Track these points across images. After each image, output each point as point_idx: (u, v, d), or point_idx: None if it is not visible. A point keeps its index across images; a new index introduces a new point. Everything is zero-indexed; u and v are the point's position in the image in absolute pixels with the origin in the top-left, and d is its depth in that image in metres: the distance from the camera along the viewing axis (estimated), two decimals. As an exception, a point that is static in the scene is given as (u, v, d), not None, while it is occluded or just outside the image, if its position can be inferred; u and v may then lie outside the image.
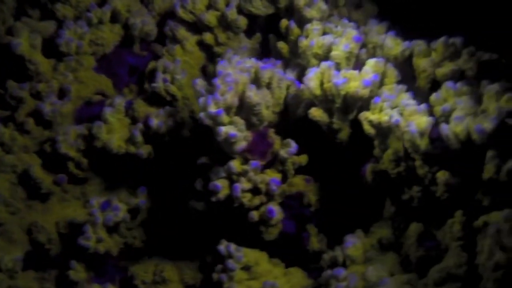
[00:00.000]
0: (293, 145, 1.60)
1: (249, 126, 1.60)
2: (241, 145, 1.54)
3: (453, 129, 1.33)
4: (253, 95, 1.53)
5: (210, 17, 2.04)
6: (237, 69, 1.60)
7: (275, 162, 1.66)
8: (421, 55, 1.62)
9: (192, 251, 1.85)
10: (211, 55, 2.12)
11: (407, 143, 1.41)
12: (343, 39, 1.64)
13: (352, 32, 1.67)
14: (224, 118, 1.52)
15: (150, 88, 2.03)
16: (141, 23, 2.13)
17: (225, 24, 2.03)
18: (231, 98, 1.52)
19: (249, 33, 2.10)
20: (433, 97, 1.47)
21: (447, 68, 1.55)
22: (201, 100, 1.54)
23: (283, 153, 1.59)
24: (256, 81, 1.62)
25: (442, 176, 1.40)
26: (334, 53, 1.62)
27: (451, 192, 1.42)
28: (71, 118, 2.12)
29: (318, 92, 1.57)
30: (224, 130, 1.51)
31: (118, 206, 1.80)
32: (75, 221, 1.84)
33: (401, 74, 1.65)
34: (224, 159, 1.61)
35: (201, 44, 2.11)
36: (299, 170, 1.74)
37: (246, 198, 1.59)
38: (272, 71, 1.63)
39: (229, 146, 1.53)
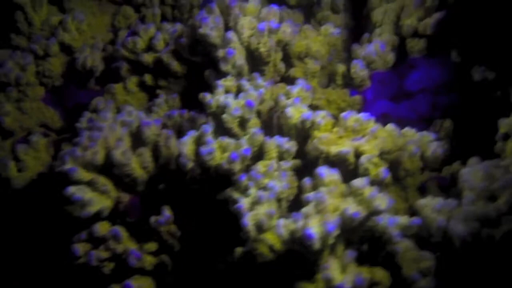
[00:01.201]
0: (164, 214, 1.43)
1: (124, 186, 1.46)
2: (92, 210, 1.39)
3: (288, 227, 1.11)
4: (118, 154, 1.38)
5: (149, 58, 1.93)
6: (118, 122, 1.46)
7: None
8: (321, 129, 1.40)
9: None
10: (154, 97, 2.00)
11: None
12: (238, 102, 1.45)
13: (251, 95, 1.48)
14: (81, 176, 1.39)
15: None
16: (83, 58, 2.05)
17: (163, 66, 1.92)
18: (91, 155, 1.38)
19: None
20: (304, 182, 1.25)
21: (338, 148, 1.32)
22: (60, 154, 1.42)
23: (153, 221, 1.43)
24: (138, 137, 1.47)
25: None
26: (224, 116, 1.44)
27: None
28: (8, 149, 2.08)
29: (193, 157, 1.39)
30: (71, 190, 1.37)
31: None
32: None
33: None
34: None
35: (143, 85, 2.01)
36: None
37: (107, 268, 1.44)
38: (157, 127, 1.47)
39: (78, 209, 1.39)
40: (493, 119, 1.63)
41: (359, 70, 1.72)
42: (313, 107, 1.76)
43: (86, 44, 2.16)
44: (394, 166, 1.45)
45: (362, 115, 1.37)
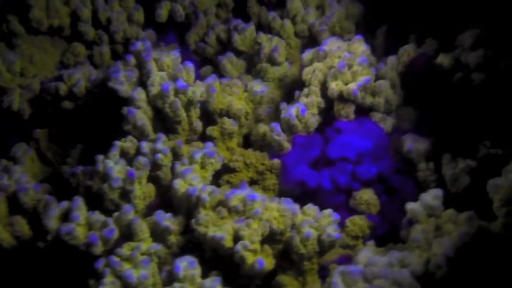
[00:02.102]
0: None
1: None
2: None
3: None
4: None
5: (69, 105, 1.85)
6: (-5, 186, 1.37)
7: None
8: (206, 206, 1.28)
9: None
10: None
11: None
12: (121, 171, 1.35)
13: (139, 162, 1.38)
14: None
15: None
16: (8, 101, 1.99)
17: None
18: None
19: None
20: (161, 275, 1.13)
21: (215, 231, 1.20)
22: None
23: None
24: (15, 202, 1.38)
25: None
26: (103, 186, 1.34)
27: None
28: None
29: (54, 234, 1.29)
30: None
31: None
32: None
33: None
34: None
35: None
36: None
37: None
38: (37, 193, 1.38)
39: None
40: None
41: (275, 134, 1.60)
42: (230, 170, 1.65)
43: (22, 85, 2.09)
44: (287, 249, 1.32)
45: (247, 195, 1.25)
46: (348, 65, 1.62)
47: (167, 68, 1.64)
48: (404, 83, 1.73)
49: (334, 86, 1.62)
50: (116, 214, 1.27)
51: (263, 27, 2.07)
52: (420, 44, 1.84)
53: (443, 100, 1.72)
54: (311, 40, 1.99)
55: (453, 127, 1.69)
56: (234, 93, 1.71)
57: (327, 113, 1.70)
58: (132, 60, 1.66)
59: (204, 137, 1.69)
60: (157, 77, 1.59)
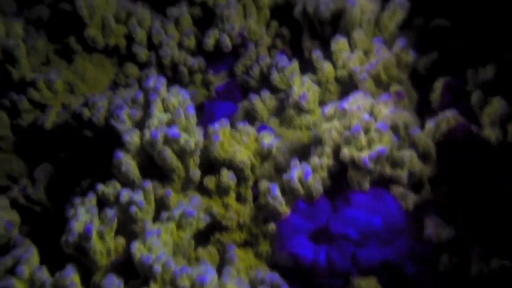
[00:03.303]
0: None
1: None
2: None
3: None
4: None
5: (89, 134, 1.83)
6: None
7: None
8: (157, 280, 1.16)
9: None
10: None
11: None
12: (79, 224, 1.27)
13: (105, 216, 1.29)
14: None
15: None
16: (42, 120, 2.01)
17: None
18: None
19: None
20: None
21: None
22: None
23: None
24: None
25: None
26: (61, 239, 1.27)
27: None
28: None
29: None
30: None
31: None
32: None
33: None
34: None
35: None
36: None
37: None
38: (8, 231, 1.34)
39: None
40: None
41: (270, 197, 1.43)
42: (222, 228, 1.52)
43: (63, 104, 2.10)
44: None
45: (198, 275, 1.11)
46: (364, 129, 1.40)
47: (173, 110, 1.54)
48: (441, 155, 1.48)
49: (347, 151, 1.41)
50: (57, 274, 1.18)
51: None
52: (484, 106, 1.57)
53: (486, 180, 1.45)
54: (353, 87, 1.79)
55: (494, 215, 1.42)
56: (243, 142, 1.56)
57: (342, 178, 1.50)
58: (140, 97, 1.57)
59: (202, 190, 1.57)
60: (155, 120, 1.49)
